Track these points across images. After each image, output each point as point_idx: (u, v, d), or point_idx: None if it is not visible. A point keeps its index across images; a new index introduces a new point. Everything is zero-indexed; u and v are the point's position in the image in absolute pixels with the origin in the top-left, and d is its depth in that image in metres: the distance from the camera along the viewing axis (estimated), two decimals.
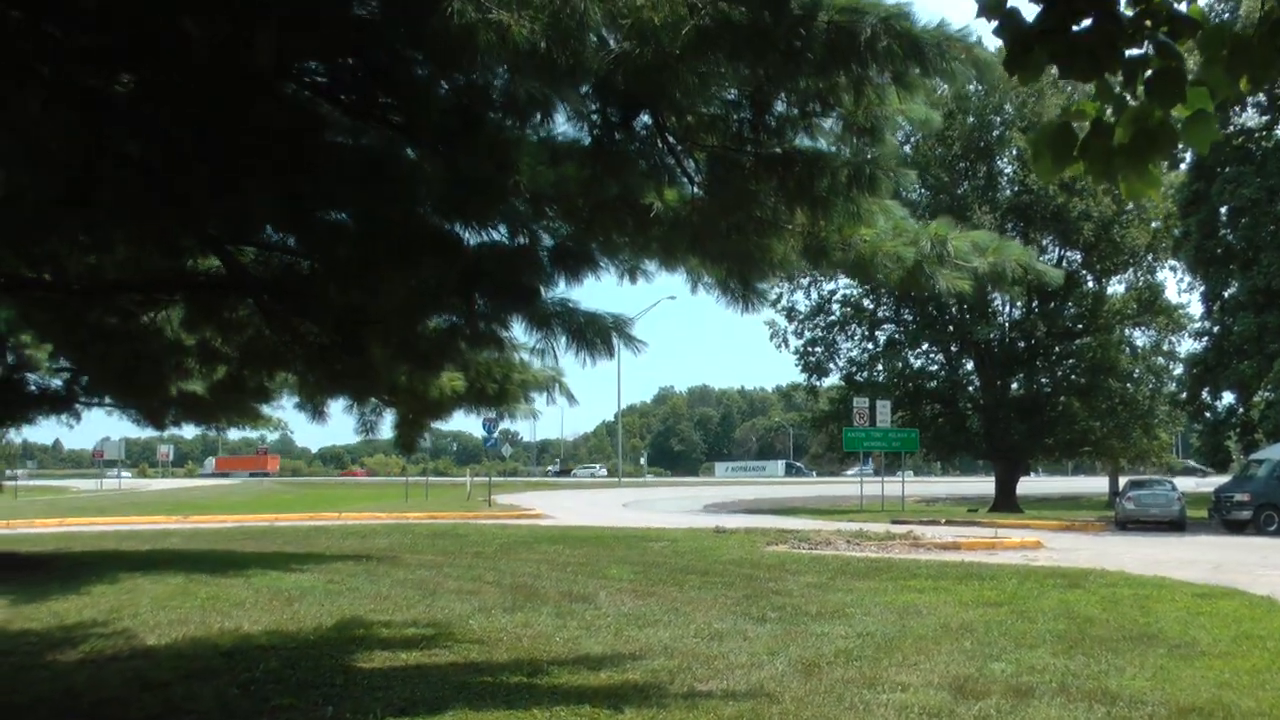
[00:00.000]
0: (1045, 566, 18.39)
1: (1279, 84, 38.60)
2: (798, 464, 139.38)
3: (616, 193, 6.44)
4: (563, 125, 6.37)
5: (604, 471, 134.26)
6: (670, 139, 6.13)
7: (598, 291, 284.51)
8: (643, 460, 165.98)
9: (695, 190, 6.30)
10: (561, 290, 8.03)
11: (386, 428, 12.18)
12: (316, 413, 11.11)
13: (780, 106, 5.78)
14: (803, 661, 9.65)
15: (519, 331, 8.17)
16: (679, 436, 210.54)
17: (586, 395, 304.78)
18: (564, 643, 10.72)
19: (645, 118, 6.09)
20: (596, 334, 7.77)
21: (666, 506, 48.74)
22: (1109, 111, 3.86)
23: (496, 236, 7.14)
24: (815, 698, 8.22)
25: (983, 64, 5.31)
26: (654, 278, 8.15)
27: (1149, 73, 3.62)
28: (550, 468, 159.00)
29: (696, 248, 6.65)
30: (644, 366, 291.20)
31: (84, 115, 6.39)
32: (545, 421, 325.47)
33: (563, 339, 7.80)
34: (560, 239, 7.31)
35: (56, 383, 20.00)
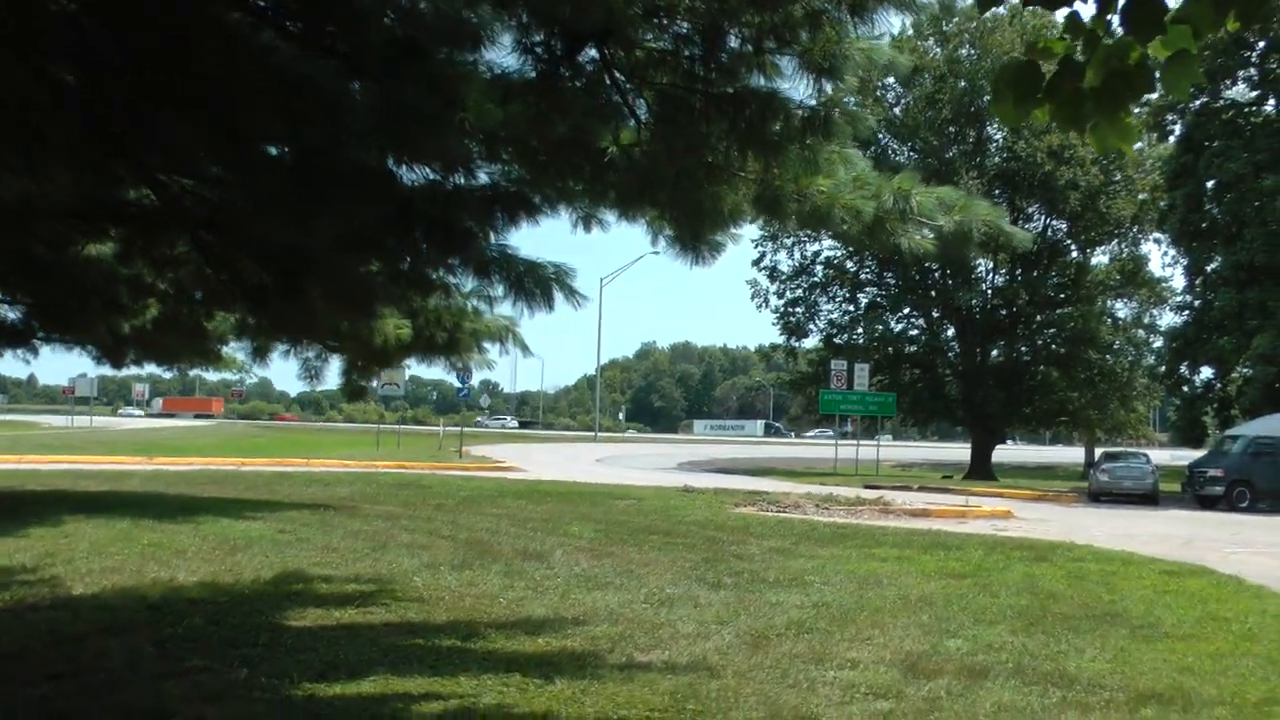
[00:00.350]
0: (1013, 538, 18.09)
1: (1270, 60, 38.22)
2: (776, 424, 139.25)
3: (564, 133, 5.97)
4: (509, 61, 5.91)
5: (514, 423, 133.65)
6: (618, 75, 5.66)
7: (580, 244, 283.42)
8: (621, 415, 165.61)
9: (643, 132, 5.83)
10: (516, 235, 7.58)
11: (334, 375, 11.74)
12: (258, 355, 10.64)
13: (733, 42, 5.32)
14: (752, 632, 9.28)
15: (455, 277, 7.66)
16: (660, 393, 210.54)
17: (567, 347, 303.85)
18: (507, 604, 10.34)
19: (592, 52, 5.63)
20: (536, 284, 7.30)
21: (640, 463, 48.43)
22: (1079, 49, 3.42)
23: (434, 175, 6.63)
24: (758, 673, 7.85)
25: None
26: (611, 227, 7.69)
27: (1124, 1, 3.18)
28: (479, 419, 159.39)
29: (645, 194, 6.18)
30: (626, 321, 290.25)
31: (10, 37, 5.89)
32: (528, 373, 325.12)
33: (500, 287, 7.34)
34: (496, 180, 6.80)
35: (12, 316, 19.43)
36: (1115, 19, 3.24)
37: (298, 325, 9.25)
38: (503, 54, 5.87)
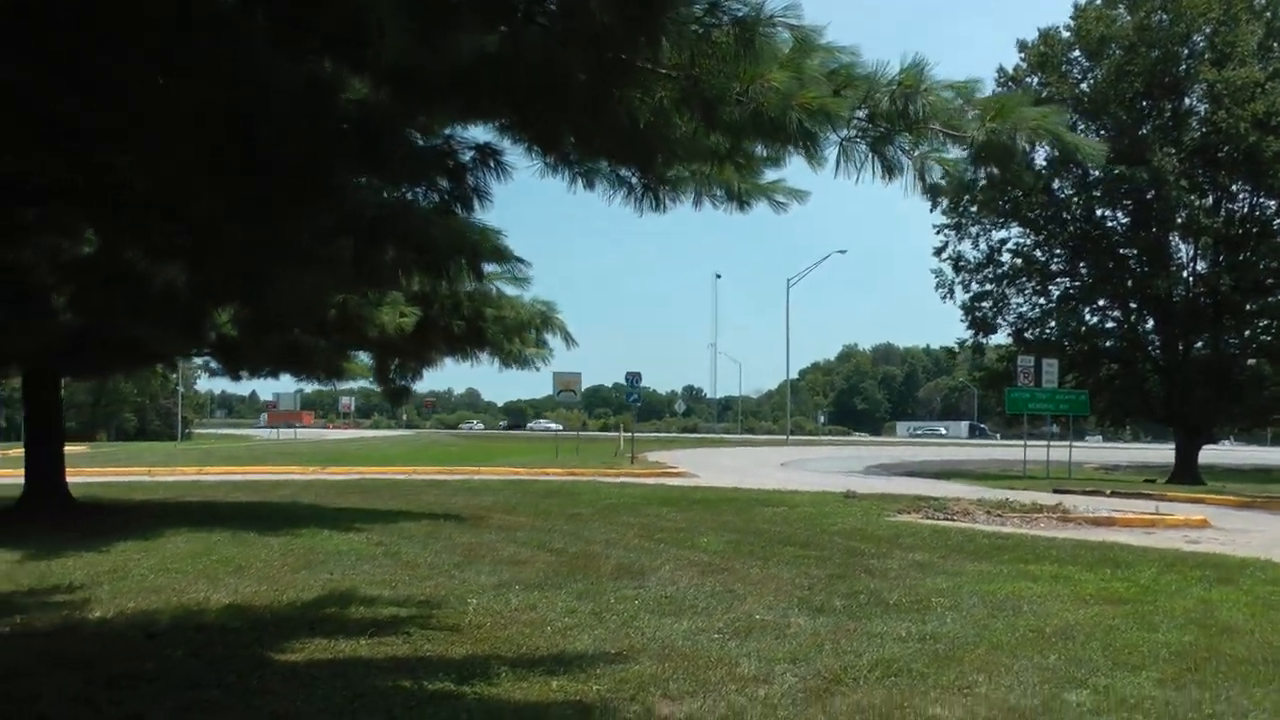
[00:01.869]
0: (1200, 553, 15.75)
1: None
2: (981, 425, 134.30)
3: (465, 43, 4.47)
4: None
5: (555, 427, 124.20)
6: None
7: (764, 243, 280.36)
8: (821, 418, 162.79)
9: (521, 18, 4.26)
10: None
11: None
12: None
13: None
14: (825, 675, 7.59)
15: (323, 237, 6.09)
16: (862, 395, 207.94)
17: (768, 351, 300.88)
18: (552, 634, 8.87)
19: None
20: (456, 251, 5.78)
21: (823, 467, 46.51)
22: None
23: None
24: None
25: None
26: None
27: None
28: (501, 423, 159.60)
29: (556, 111, 4.59)
30: (826, 323, 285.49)
31: None
32: (727, 378, 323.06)
33: (397, 254, 5.80)
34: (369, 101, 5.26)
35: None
36: None
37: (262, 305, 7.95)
38: None
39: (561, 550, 14.34)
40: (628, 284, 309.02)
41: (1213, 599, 11.34)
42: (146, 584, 11.13)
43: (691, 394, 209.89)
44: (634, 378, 44.09)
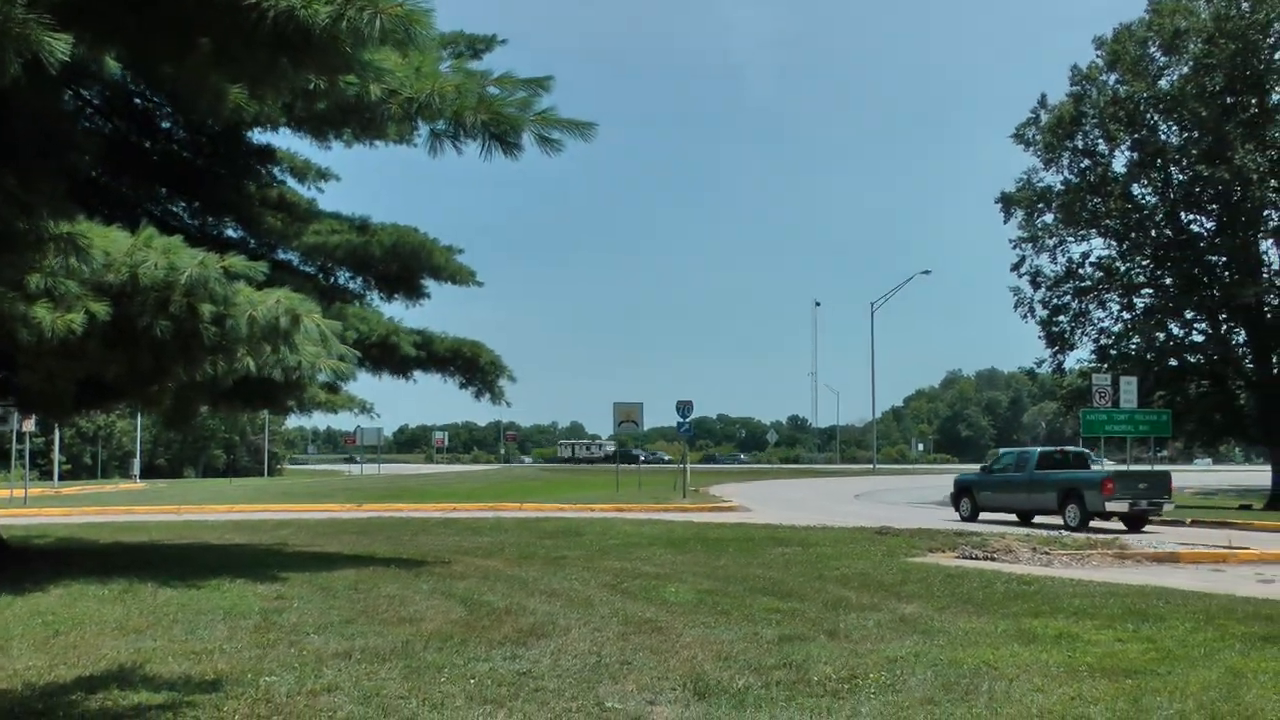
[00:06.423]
0: (1259, 598, 13.02)
1: None
2: (1085, 450, 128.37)
3: None
4: None
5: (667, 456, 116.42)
6: None
7: (842, 272, 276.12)
8: (920, 447, 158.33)
9: None
10: None
11: None
12: None
13: None
14: None
15: None
16: (966, 422, 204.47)
17: (866, 379, 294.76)
18: None
19: None
20: None
21: (896, 499, 44.09)
22: None
23: None
24: None
25: None
26: None
27: None
28: (607, 448, 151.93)
29: None
30: (930, 350, 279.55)
31: None
32: (827, 408, 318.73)
33: None
34: None
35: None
36: None
37: None
38: None
39: (484, 605, 12.27)
40: (733, 313, 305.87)
41: (1246, 669, 8.72)
42: None
43: (796, 423, 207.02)
44: (685, 407, 41.66)
